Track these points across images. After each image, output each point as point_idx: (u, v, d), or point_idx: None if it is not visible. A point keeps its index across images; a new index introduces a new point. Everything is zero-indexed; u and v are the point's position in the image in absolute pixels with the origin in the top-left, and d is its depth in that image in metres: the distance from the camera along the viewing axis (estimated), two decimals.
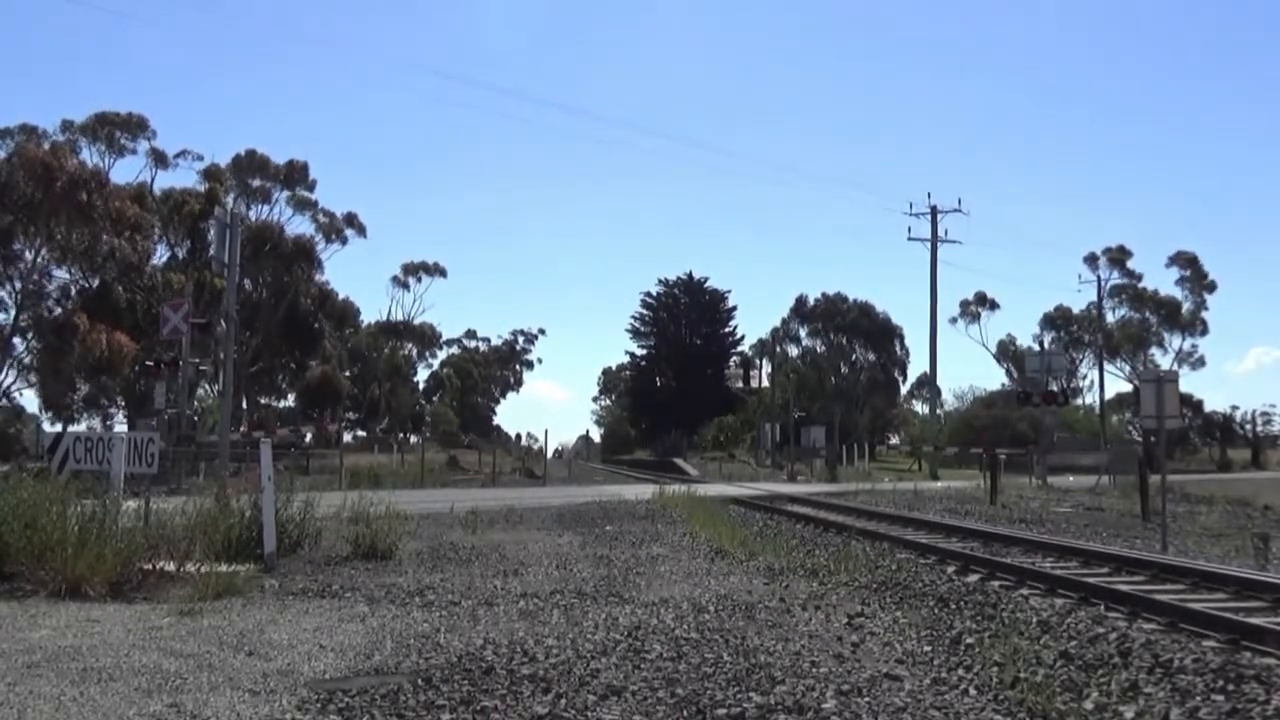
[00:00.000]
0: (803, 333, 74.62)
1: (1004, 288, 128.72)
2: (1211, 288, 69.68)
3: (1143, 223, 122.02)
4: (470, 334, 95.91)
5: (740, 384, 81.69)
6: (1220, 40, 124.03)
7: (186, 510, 10.46)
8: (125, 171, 53.66)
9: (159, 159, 46.56)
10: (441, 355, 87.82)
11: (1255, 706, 5.36)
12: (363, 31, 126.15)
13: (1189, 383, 68.61)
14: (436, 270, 74.32)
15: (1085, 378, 72.29)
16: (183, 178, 48.85)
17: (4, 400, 37.61)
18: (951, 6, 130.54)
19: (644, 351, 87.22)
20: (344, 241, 53.33)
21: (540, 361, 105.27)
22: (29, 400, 44.39)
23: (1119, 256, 68.95)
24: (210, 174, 47.24)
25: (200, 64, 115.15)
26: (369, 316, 69.21)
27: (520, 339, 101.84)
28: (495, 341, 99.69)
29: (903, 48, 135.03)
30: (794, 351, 74.61)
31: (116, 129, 44.45)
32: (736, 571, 10.39)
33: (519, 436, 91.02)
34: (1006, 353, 74.37)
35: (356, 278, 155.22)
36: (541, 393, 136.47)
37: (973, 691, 5.57)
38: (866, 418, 69.47)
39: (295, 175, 50.67)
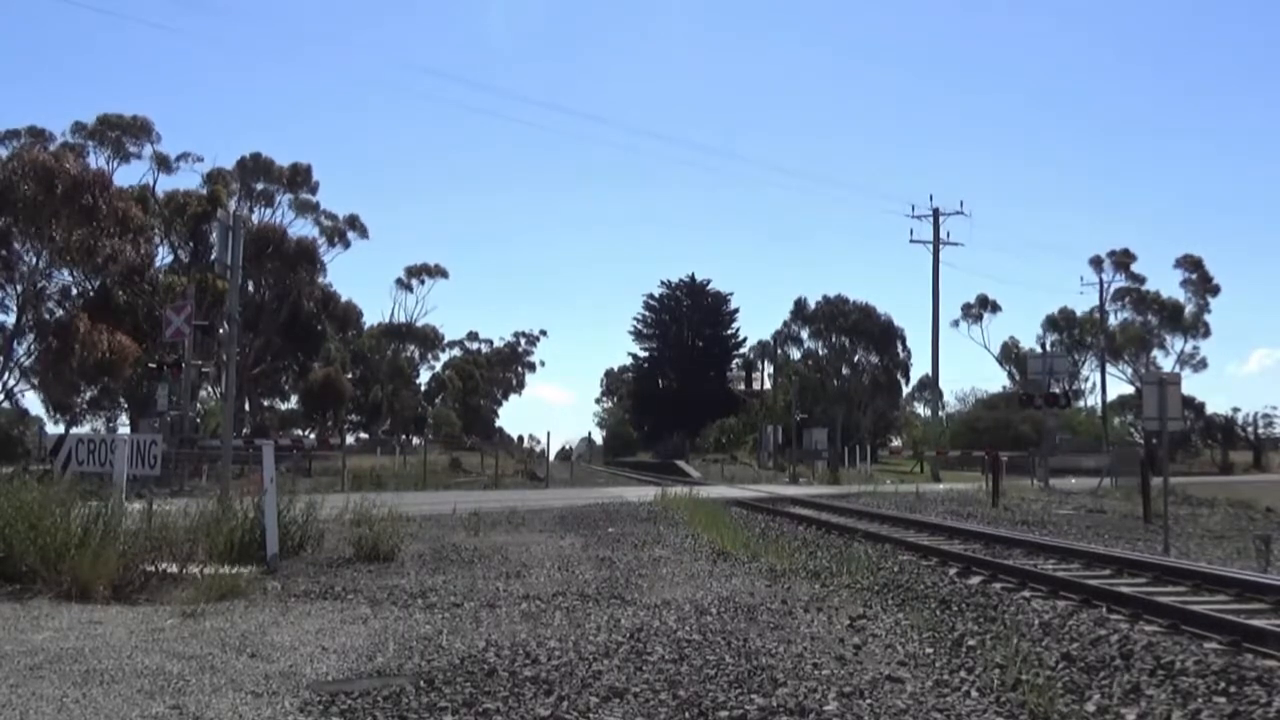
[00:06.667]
0: (804, 335, 74.61)
1: (1006, 290, 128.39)
2: (1215, 290, 69.80)
3: (1143, 225, 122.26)
4: (473, 336, 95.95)
5: (742, 386, 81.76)
6: (1224, 43, 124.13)
7: (189, 512, 10.49)
8: (129, 175, 53.67)
9: (162, 162, 46.59)
10: (444, 357, 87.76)
11: (1257, 709, 5.36)
12: (365, 34, 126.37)
13: (1191, 385, 68.64)
14: (439, 272, 74.33)
15: (1088, 380, 72.37)
16: (185, 180, 48.65)
17: (7, 402, 37.65)
18: (954, 9, 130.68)
19: (646, 354, 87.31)
20: (346, 244, 53.32)
21: (543, 364, 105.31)
22: (32, 402, 44.43)
23: (1124, 259, 69.01)
24: (214, 177, 47.23)
25: (202, 67, 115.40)
26: (372, 319, 69.19)
27: (522, 341, 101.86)
28: (497, 343, 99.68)
29: (905, 50, 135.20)
30: (796, 354, 74.61)
31: (120, 132, 44.45)
32: (738, 573, 10.40)
33: (521, 439, 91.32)
34: (1009, 355, 74.40)
35: (359, 280, 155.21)
36: (544, 395, 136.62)
37: (974, 693, 5.58)
38: (868, 420, 69.45)
39: (299, 178, 50.65)
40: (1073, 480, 35.96)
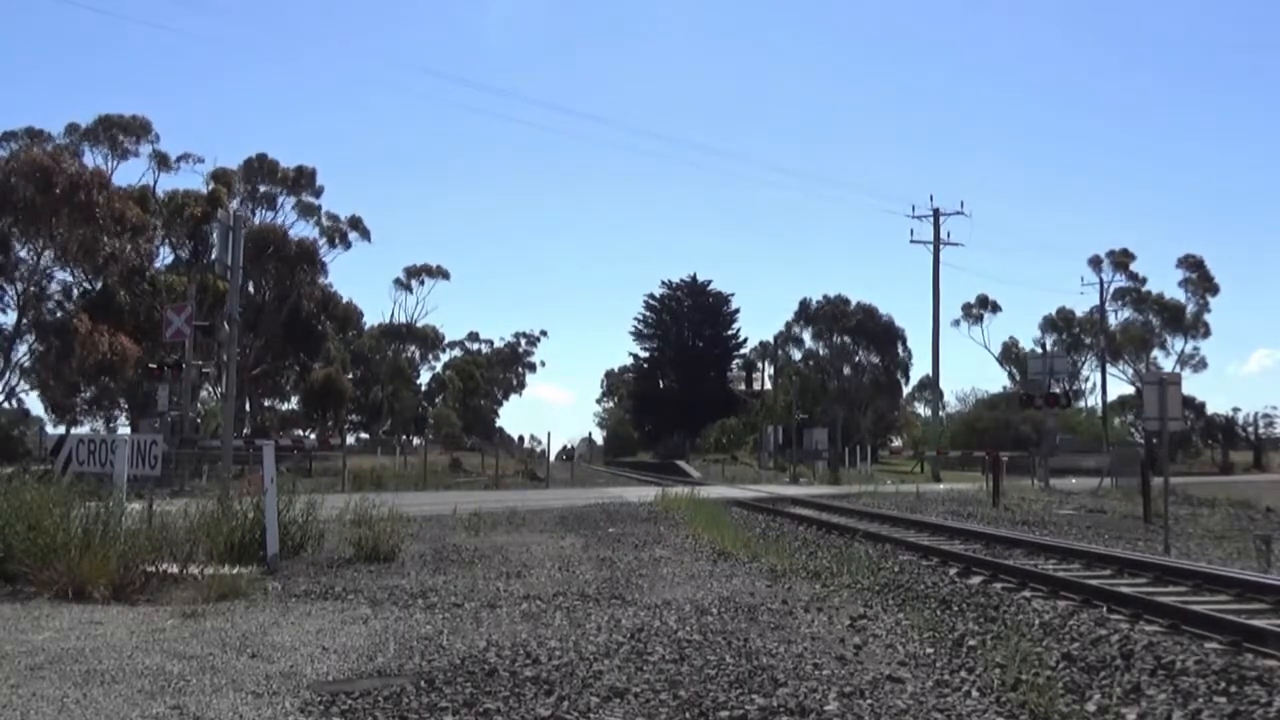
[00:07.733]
0: (806, 335, 74.50)
1: (1006, 290, 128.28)
2: (1215, 290, 69.77)
3: (1144, 225, 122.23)
4: (473, 336, 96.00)
5: (743, 386, 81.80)
6: (1224, 43, 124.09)
7: (189, 513, 10.48)
8: (129, 175, 53.72)
9: (162, 162, 46.57)
10: (444, 358, 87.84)
11: (1257, 708, 5.36)
12: (366, 35, 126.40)
13: (1191, 385, 68.62)
14: (439, 273, 74.49)
15: (1088, 380, 72.37)
16: (186, 180, 48.60)
17: (8, 403, 37.66)
18: (954, 9, 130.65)
19: (647, 354, 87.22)
20: (348, 245, 53.34)
21: (543, 364, 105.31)
22: (33, 403, 44.42)
23: (1123, 259, 68.96)
24: (218, 177, 47.22)
25: (202, 67, 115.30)
26: (372, 319, 69.35)
27: (523, 341, 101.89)
28: (498, 344, 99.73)
29: (905, 50, 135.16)
30: (797, 354, 74.58)
31: (120, 131, 44.42)
32: (739, 573, 10.39)
33: (522, 439, 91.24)
34: (1009, 355, 74.41)
35: (360, 280, 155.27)
36: (544, 395, 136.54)
37: (975, 693, 5.58)
38: (869, 420, 69.38)
39: (303, 180, 50.65)
40: (1073, 480, 35.93)
